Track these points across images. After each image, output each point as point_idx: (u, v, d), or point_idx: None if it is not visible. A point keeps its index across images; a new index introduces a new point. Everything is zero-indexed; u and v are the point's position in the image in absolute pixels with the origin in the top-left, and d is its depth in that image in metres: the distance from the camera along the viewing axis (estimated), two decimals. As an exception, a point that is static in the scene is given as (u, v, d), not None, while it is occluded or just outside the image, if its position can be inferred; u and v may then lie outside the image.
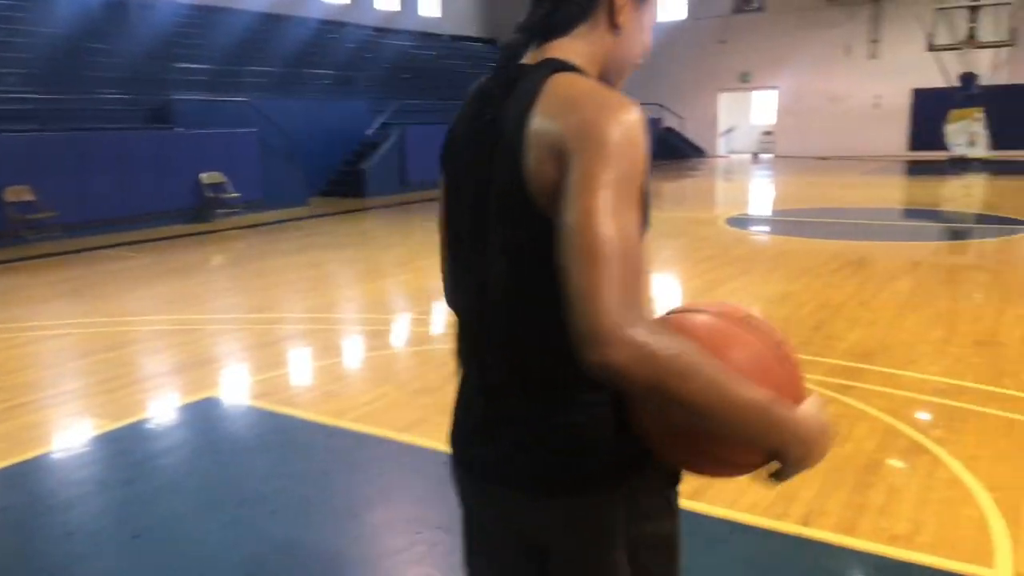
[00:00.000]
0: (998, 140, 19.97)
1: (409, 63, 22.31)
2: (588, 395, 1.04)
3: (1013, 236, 8.72)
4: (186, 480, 3.27)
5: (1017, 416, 3.60)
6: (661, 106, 26.49)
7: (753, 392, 0.92)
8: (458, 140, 1.14)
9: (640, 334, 0.87)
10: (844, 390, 3.96)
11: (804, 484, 2.95)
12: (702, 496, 2.90)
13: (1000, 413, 3.64)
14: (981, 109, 19.10)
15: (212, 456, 3.54)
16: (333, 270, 8.16)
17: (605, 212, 0.91)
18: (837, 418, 3.58)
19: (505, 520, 1.14)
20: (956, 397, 3.87)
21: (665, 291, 6.67)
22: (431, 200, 14.54)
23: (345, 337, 5.55)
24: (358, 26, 23.16)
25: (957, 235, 10.02)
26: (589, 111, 0.96)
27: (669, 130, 26.73)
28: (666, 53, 26.39)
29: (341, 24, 22.61)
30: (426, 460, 3.38)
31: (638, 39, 1.12)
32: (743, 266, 7.54)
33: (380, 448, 3.55)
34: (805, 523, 2.72)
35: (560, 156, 0.95)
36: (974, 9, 20.08)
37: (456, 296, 1.20)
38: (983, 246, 8.59)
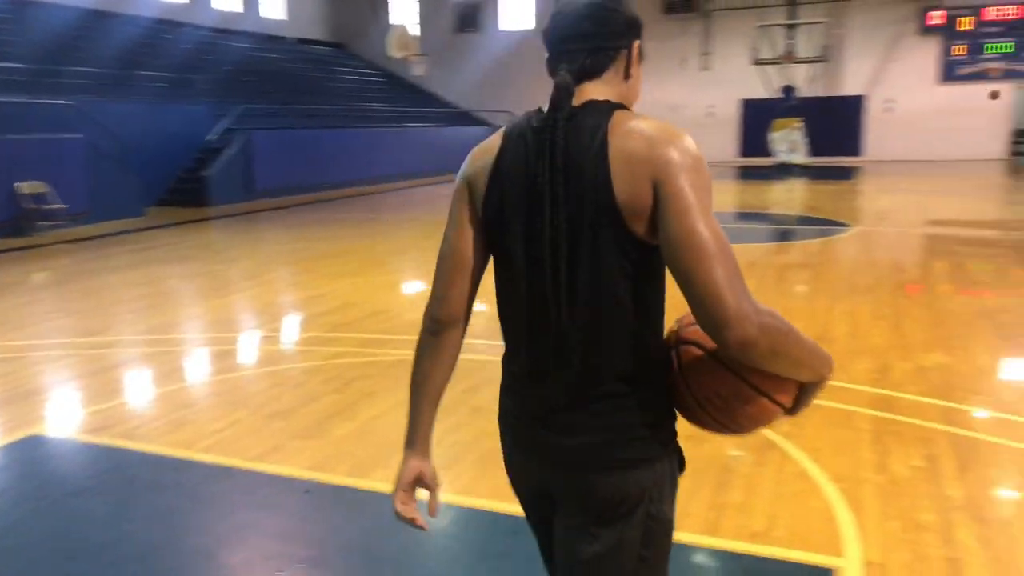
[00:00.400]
0: (815, 147, 21.80)
1: (253, 66, 21.39)
2: (651, 386, 1.32)
3: (832, 236, 9.49)
4: (4, 538, 2.91)
5: (852, 407, 3.88)
6: (511, 113, 26.96)
7: (810, 339, 1.24)
8: (517, 172, 1.33)
9: (759, 312, 1.15)
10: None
11: (668, 488, 3.02)
12: (572, 507, 2.91)
13: (837, 405, 3.91)
14: (800, 119, 20.77)
15: (36, 504, 3.16)
16: (174, 286, 7.63)
17: (704, 221, 1.19)
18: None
19: (580, 496, 1.34)
20: (798, 392, 4.13)
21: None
22: (283, 208, 13.98)
23: (189, 360, 5.19)
24: (196, 26, 21.96)
25: (784, 236, 10.78)
26: (667, 139, 1.23)
27: (520, 137, 27.19)
28: (515, 62, 26.89)
29: (177, 24, 21.36)
30: (284, 490, 3.19)
31: (638, 86, 1.43)
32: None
33: (233, 480, 3.31)
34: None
35: (654, 182, 1.21)
36: (791, 27, 21.81)
37: (513, 307, 1.40)
38: (808, 246, 9.28)
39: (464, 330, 1.48)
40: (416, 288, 7.22)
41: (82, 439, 3.84)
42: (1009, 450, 3.36)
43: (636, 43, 1.39)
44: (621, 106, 1.33)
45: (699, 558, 2.63)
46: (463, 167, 1.42)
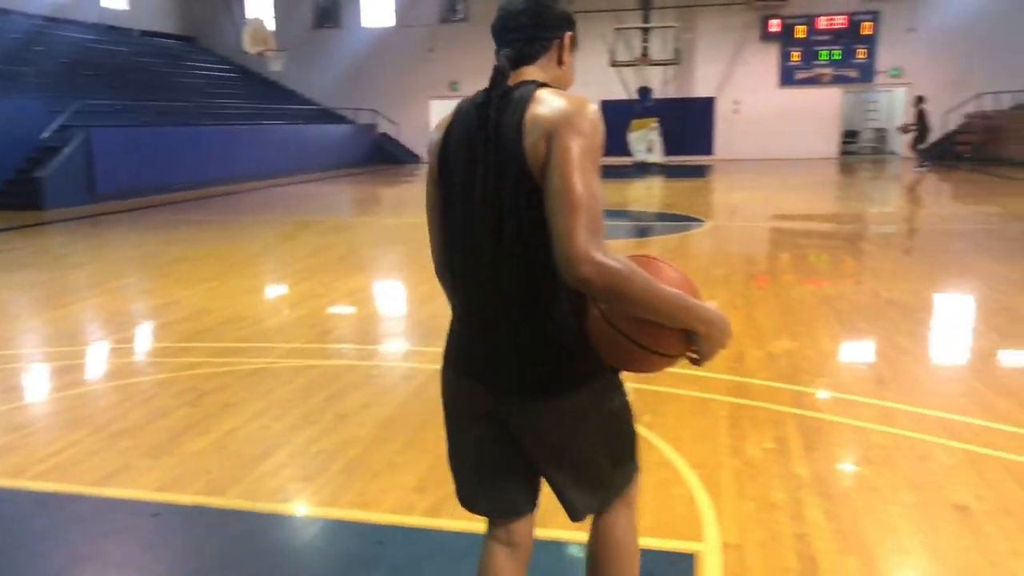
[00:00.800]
0: (670, 147, 22.79)
1: (92, 59, 19.93)
2: (561, 315, 1.55)
3: (688, 232, 9.94)
4: None
5: (710, 395, 4.05)
6: (375, 112, 26.53)
7: (672, 289, 1.44)
8: (460, 141, 1.58)
9: (604, 256, 1.37)
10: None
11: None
12: (439, 513, 2.85)
13: (696, 394, 4.07)
14: (656, 119, 21.64)
15: None
16: (6, 297, 6.96)
17: (581, 177, 1.41)
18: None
19: (513, 419, 1.64)
20: (656, 383, 4.26)
21: (392, 298, 6.61)
22: (132, 211, 13.10)
23: (23, 376, 4.73)
24: (24, 15, 20.22)
25: (644, 232, 11.17)
26: (568, 107, 1.46)
27: (384, 136, 26.84)
28: (377, 60, 26.48)
29: (1, 11, 19.60)
30: (130, 515, 2.96)
31: (571, 73, 1.69)
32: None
33: (72, 508, 3.03)
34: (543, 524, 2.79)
35: (548, 138, 1.44)
36: (646, 31, 22.68)
37: (458, 258, 1.63)
38: (666, 241, 9.67)
39: None
40: (276, 292, 6.93)
41: None
42: (849, 428, 3.61)
43: (568, 34, 1.64)
44: (546, 84, 1.57)
45: (572, 551, 2.64)
46: (429, 140, 1.68)
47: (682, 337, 1.48)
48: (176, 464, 3.36)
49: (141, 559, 2.69)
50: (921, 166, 18.91)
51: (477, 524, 2.77)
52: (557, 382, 1.57)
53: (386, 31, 26.61)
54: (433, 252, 1.75)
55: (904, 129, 18.20)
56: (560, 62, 1.63)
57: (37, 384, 4.62)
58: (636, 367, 1.58)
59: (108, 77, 19.24)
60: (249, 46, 19.58)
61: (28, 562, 2.68)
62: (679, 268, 1.59)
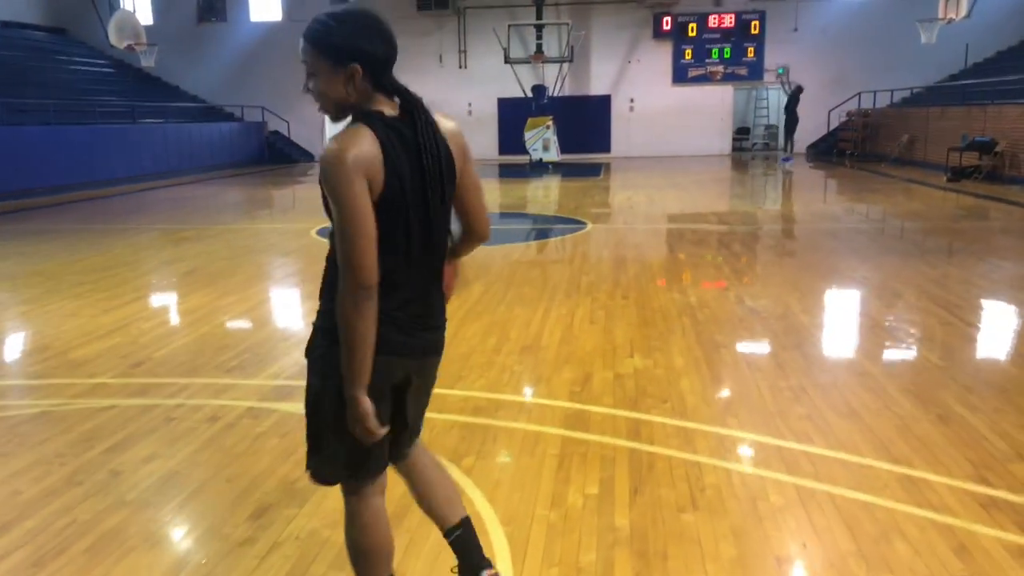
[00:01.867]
0: (567, 145, 22.67)
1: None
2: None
3: (567, 236, 9.68)
4: None
5: (544, 428, 3.71)
6: (265, 109, 25.44)
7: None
8: (404, 159, 1.86)
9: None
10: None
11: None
12: None
13: (528, 427, 3.72)
14: (551, 117, 21.46)
15: None
16: None
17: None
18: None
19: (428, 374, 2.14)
20: (493, 415, 3.90)
21: (226, 321, 6.03)
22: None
23: None
24: None
25: (526, 237, 10.87)
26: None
27: (275, 133, 25.79)
28: (264, 55, 25.38)
29: None
30: None
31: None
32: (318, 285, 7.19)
33: None
34: (306, 612, 2.37)
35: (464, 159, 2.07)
36: (540, 28, 22.46)
37: (403, 254, 1.90)
38: (543, 246, 9.38)
39: None
40: (97, 315, 6.21)
41: None
42: (683, 464, 3.31)
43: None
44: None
45: (331, 650, 2.22)
46: (349, 162, 1.76)
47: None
48: None
49: None
50: (788, 158, 19.37)
51: None
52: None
53: (275, 25, 25.54)
54: (365, 255, 1.77)
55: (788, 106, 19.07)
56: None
57: None
58: None
59: (-41, 72, 17.65)
60: (116, 40, 18.28)
61: None
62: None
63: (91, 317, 5.95)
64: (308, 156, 25.83)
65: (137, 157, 18.65)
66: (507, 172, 20.53)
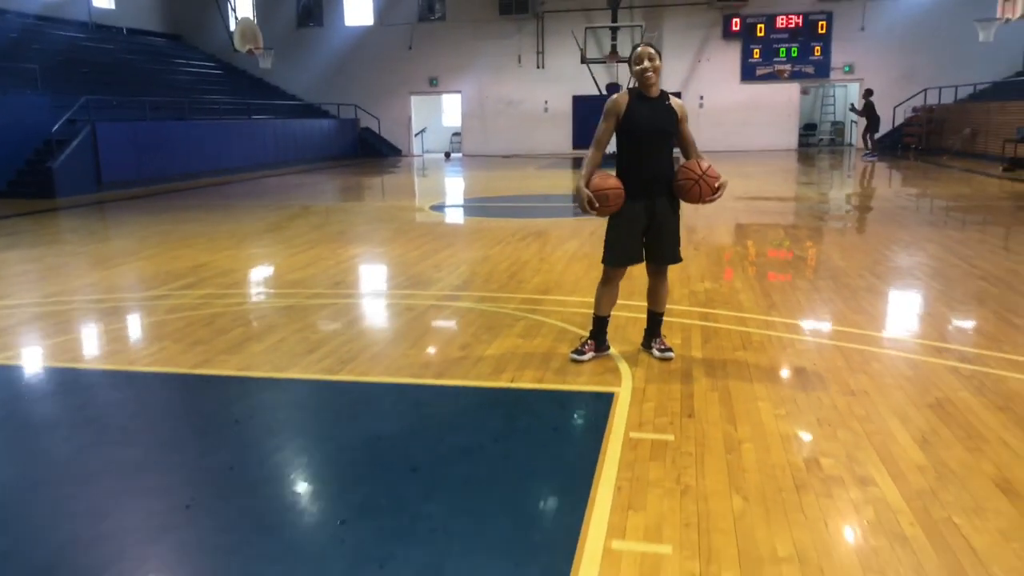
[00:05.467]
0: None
1: (85, 56, 20.89)
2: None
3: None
4: None
5: (637, 314, 5.34)
6: (357, 107, 27.64)
7: (586, 171, 4.17)
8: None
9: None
10: (532, 311, 5.46)
11: (513, 363, 4.32)
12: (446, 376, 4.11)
13: (628, 314, 5.36)
14: (625, 113, 22.95)
15: (18, 405, 3.96)
16: (64, 261, 8.09)
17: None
18: (529, 327, 5.05)
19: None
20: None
21: (392, 265, 7.83)
22: (136, 198, 14.17)
23: (78, 317, 5.90)
24: (17, 13, 21.11)
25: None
26: None
27: (367, 130, 27.97)
28: (357, 57, 27.61)
29: (-5, 10, 20.49)
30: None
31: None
32: (450, 240, 8.99)
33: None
34: (512, 381, 4.07)
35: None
36: (615, 30, 24.01)
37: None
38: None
39: None
40: (295, 258, 8.09)
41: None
42: (738, 333, 4.91)
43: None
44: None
45: (533, 398, 3.91)
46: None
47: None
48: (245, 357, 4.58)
49: (237, 405, 3.92)
50: (871, 154, 20.42)
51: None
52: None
53: (367, 29, 27.72)
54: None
55: (853, 109, 19.85)
56: None
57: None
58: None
59: (101, 74, 20.20)
60: (239, 44, 20.63)
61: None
62: (607, 181, 4.06)
63: (287, 257, 7.84)
64: (395, 151, 27.94)
65: (251, 149, 20.96)
66: (580, 164, 22.10)
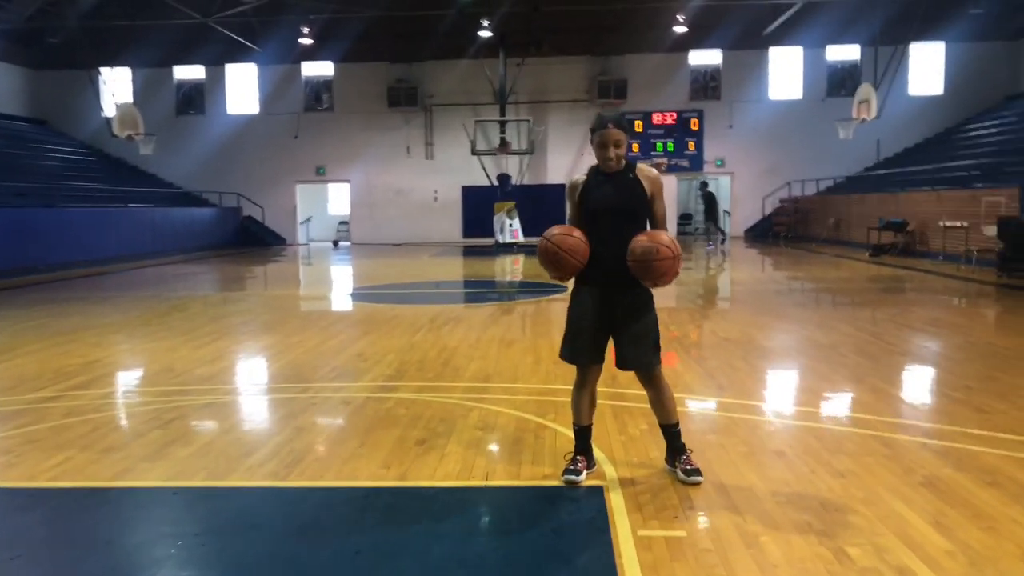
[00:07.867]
0: (528, 228, 24.53)
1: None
2: None
3: (547, 298, 11.24)
4: None
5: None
6: (240, 195, 26.79)
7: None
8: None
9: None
10: (480, 400, 5.15)
11: (480, 458, 3.98)
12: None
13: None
14: (514, 203, 23.42)
15: None
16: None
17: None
18: (484, 417, 4.72)
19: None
20: (552, 395, 5.31)
21: (311, 356, 7.32)
22: (15, 288, 12.88)
23: (-25, 422, 5.08)
24: None
25: (511, 297, 12.38)
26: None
27: (249, 218, 27.08)
28: (241, 145, 26.96)
29: None
30: None
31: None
32: (366, 328, 8.57)
33: (94, 498, 3.62)
34: (487, 479, 3.73)
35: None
36: (503, 124, 24.67)
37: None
38: (525, 307, 10.91)
39: None
40: (201, 351, 7.41)
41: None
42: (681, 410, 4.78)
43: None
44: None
45: (505, 494, 3.57)
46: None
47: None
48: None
49: None
50: (711, 244, 21.54)
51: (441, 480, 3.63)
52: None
53: (251, 117, 27.21)
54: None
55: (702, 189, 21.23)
56: None
57: None
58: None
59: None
60: (119, 130, 19.68)
61: None
62: (566, 240, 3.61)
63: (191, 351, 7.17)
64: (280, 240, 27.14)
65: (128, 238, 19.72)
66: (473, 251, 22.20)
